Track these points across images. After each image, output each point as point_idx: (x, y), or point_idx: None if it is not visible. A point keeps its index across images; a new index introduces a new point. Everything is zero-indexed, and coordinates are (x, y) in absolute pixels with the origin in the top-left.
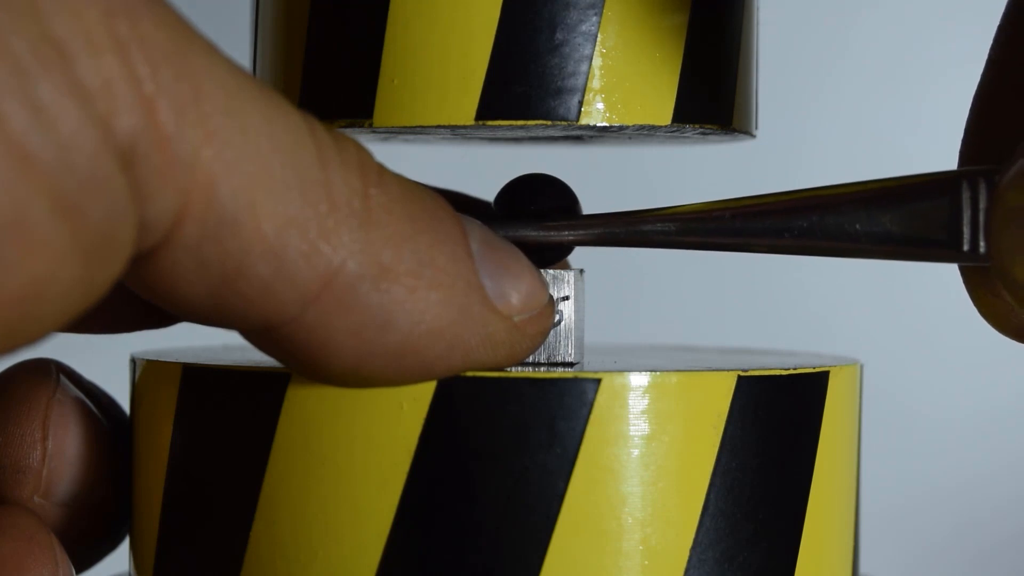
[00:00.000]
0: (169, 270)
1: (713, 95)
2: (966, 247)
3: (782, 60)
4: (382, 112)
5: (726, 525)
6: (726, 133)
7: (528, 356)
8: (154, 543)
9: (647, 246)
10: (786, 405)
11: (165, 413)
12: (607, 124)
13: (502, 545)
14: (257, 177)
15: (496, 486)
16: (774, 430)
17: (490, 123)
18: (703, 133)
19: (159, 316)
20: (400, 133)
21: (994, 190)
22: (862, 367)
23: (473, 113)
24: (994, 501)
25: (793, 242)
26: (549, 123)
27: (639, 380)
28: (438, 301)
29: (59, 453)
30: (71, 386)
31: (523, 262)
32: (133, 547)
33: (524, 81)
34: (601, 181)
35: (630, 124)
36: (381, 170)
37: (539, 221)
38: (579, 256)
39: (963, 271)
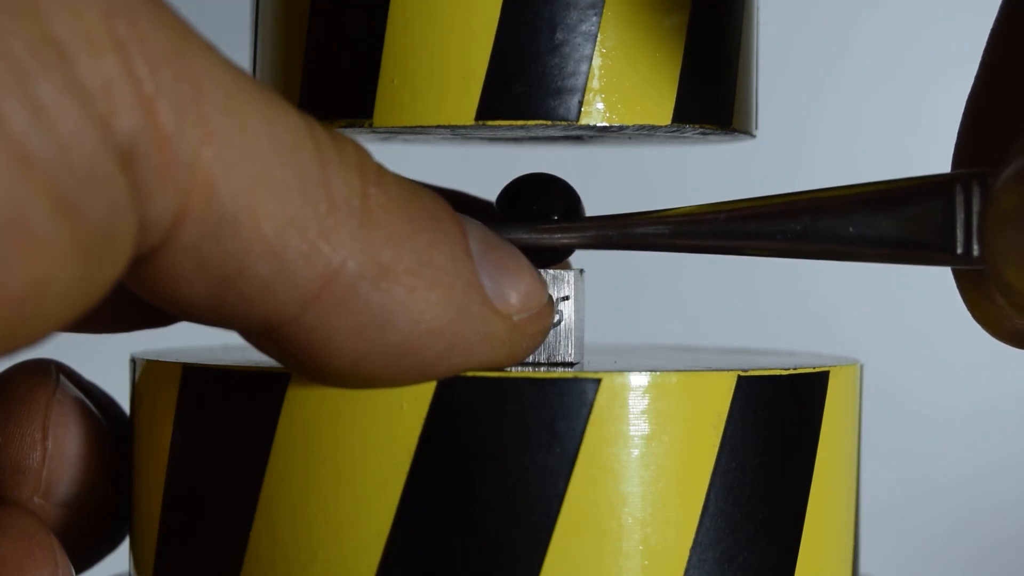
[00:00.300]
0: (169, 270)
1: (713, 95)
2: (959, 250)
3: (782, 60)
4: (382, 112)
5: (726, 525)
6: (726, 133)
7: (528, 356)
8: (154, 543)
9: (641, 249)
10: (786, 405)
11: (165, 413)
12: (607, 124)
13: (502, 545)
14: (257, 177)
15: (496, 486)
16: (774, 430)
17: (490, 123)
18: (703, 133)
19: (159, 316)
20: (400, 133)
21: (988, 193)
22: (862, 367)
23: (473, 113)
24: (994, 501)
25: (787, 245)
26: (549, 123)
27: (639, 380)
28: (438, 300)
29: (59, 453)
30: (71, 386)
31: (522, 262)
32: (133, 547)
33: (524, 81)
34: (601, 181)
35: (630, 124)
36: (380, 170)
37: (532, 224)
38: (579, 256)
39: (956, 275)
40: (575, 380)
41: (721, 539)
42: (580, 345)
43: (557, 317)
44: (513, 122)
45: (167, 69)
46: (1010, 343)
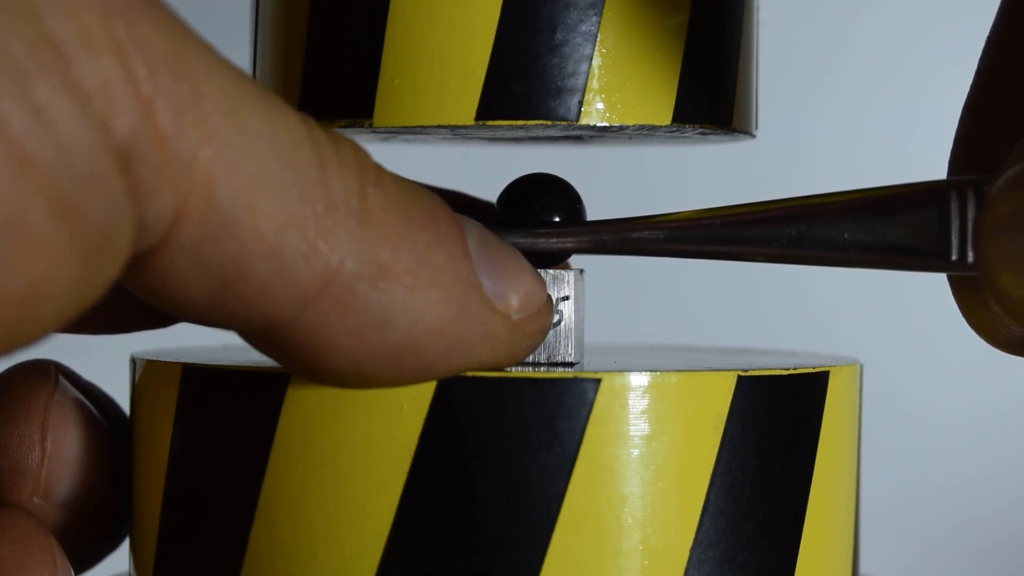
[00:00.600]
0: (168, 271)
1: (713, 95)
2: (954, 257)
3: (782, 60)
4: (382, 112)
5: (726, 525)
6: (726, 133)
7: (528, 355)
8: (154, 543)
9: (636, 254)
10: (786, 405)
11: (165, 413)
12: (607, 124)
13: (502, 545)
14: (256, 177)
15: (496, 486)
16: (774, 430)
17: (490, 123)
18: (703, 133)
19: (158, 317)
20: (400, 133)
21: (983, 200)
22: (862, 367)
23: (473, 113)
24: (994, 501)
25: (782, 251)
26: (549, 123)
27: (639, 380)
28: (437, 300)
29: (58, 454)
30: (70, 387)
31: (521, 262)
32: (133, 547)
33: (524, 81)
34: (601, 181)
35: (630, 124)
36: (379, 170)
37: (528, 228)
38: (579, 256)
39: (952, 282)
40: (575, 380)
41: (721, 539)
42: (580, 345)
43: (557, 317)
44: (513, 122)
45: (166, 70)
46: (1006, 350)
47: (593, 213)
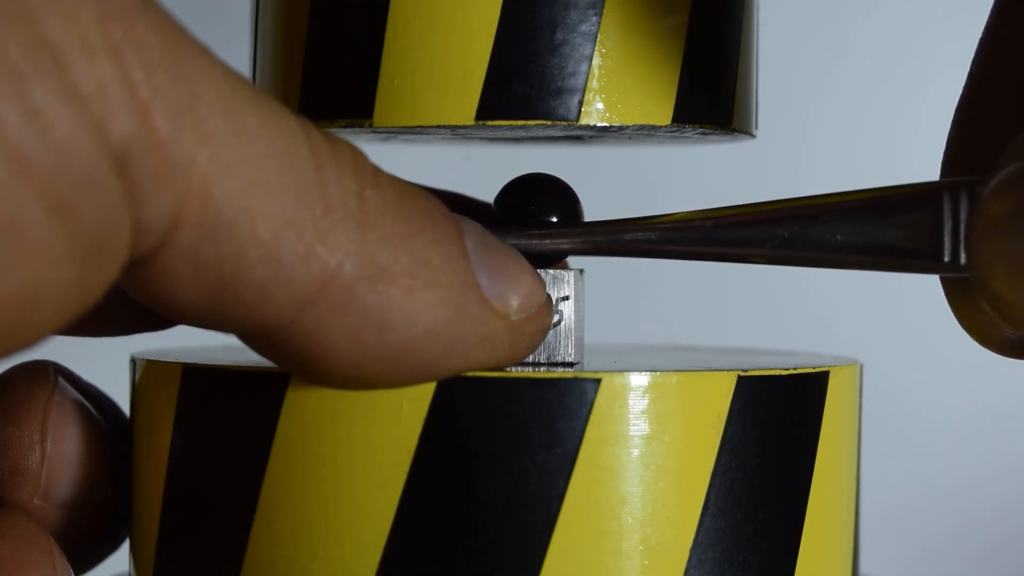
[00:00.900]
0: (165, 274)
1: (713, 95)
2: (947, 258)
3: (782, 60)
4: (382, 112)
5: (726, 525)
6: (726, 133)
7: (528, 355)
8: (154, 543)
9: (629, 255)
10: (786, 405)
11: (165, 413)
12: (607, 124)
13: (502, 545)
14: (253, 180)
15: (496, 486)
16: (774, 430)
17: (490, 123)
18: (703, 133)
19: (157, 319)
20: (400, 133)
21: (975, 202)
22: (862, 367)
23: (473, 113)
24: (994, 501)
25: (775, 252)
26: (549, 123)
27: (639, 380)
28: (435, 301)
29: (58, 455)
30: (69, 388)
31: (520, 262)
32: (133, 547)
33: (524, 81)
34: (601, 181)
35: (630, 124)
36: (376, 172)
37: (522, 230)
38: (576, 256)
39: (944, 283)
40: (575, 380)
41: (721, 539)
42: (580, 345)
43: (557, 317)
44: (513, 122)
45: (162, 73)
46: (998, 351)
47: (593, 213)
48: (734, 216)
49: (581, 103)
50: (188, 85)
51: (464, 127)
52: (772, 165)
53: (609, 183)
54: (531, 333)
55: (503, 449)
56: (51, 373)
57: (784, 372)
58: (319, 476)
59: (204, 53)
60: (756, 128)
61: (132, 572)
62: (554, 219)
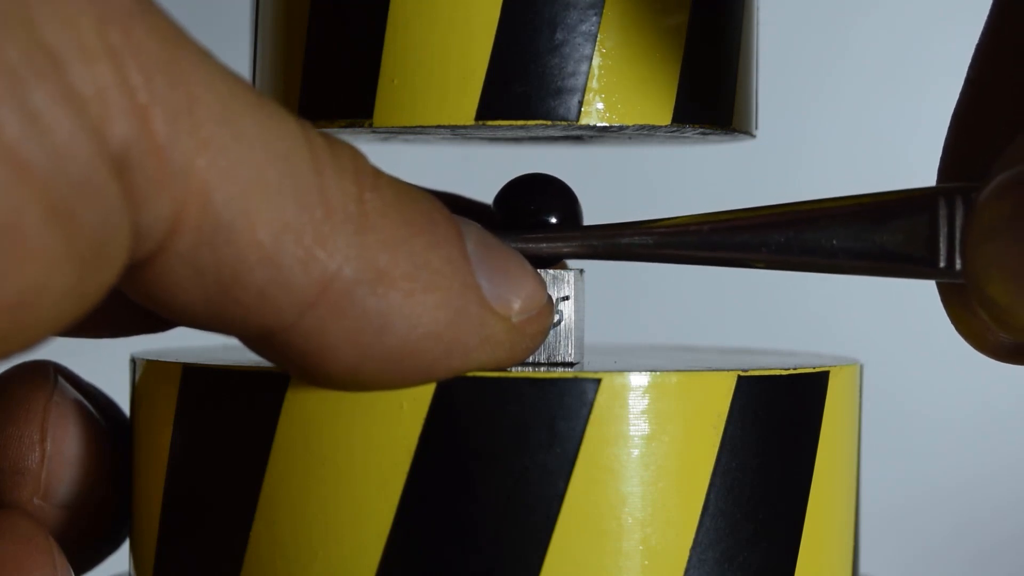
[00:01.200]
0: (165, 278)
1: (713, 95)
2: (942, 264)
3: (782, 60)
4: (382, 112)
5: (726, 525)
6: (726, 133)
7: (528, 356)
8: (154, 543)
9: (625, 259)
10: (786, 405)
11: (165, 413)
12: (607, 124)
13: (502, 545)
14: (252, 184)
15: (496, 486)
16: (774, 430)
17: (490, 123)
18: (703, 133)
19: (157, 320)
20: (400, 133)
21: (971, 207)
22: (862, 367)
23: (473, 113)
24: (994, 501)
25: (771, 257)
26: (549, 123)
27: (639, 380)
28: (435, 304)
29: (58, 455)
30: (69, 388)
31: (521, 263)
32: (133, 547)
33: (524, 81)
34: (601, 181)
35: (630, 124)
36: (376, 174)
37: (518, 233)
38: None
39: (940, 288)
40: (575, 380)
41: (721, 539)
42: (580, 345)
43: (557, 317)
44: (513, 122)
45: (161, 77)
46: (994, 356)
47: (593, 213)
48: (730, 221)
49: (581, 103)
50: (187, 89)
51: (464, 127)
52: (772, 165)
53: (609, 183)
54: (532, 334)
55: (503, 449)
56: (51, 373)
57: (784, 372)
58: (319, 476)
59: (203, 57)
60: (756, 128)
61: (132, 572)
62: (553, 219)
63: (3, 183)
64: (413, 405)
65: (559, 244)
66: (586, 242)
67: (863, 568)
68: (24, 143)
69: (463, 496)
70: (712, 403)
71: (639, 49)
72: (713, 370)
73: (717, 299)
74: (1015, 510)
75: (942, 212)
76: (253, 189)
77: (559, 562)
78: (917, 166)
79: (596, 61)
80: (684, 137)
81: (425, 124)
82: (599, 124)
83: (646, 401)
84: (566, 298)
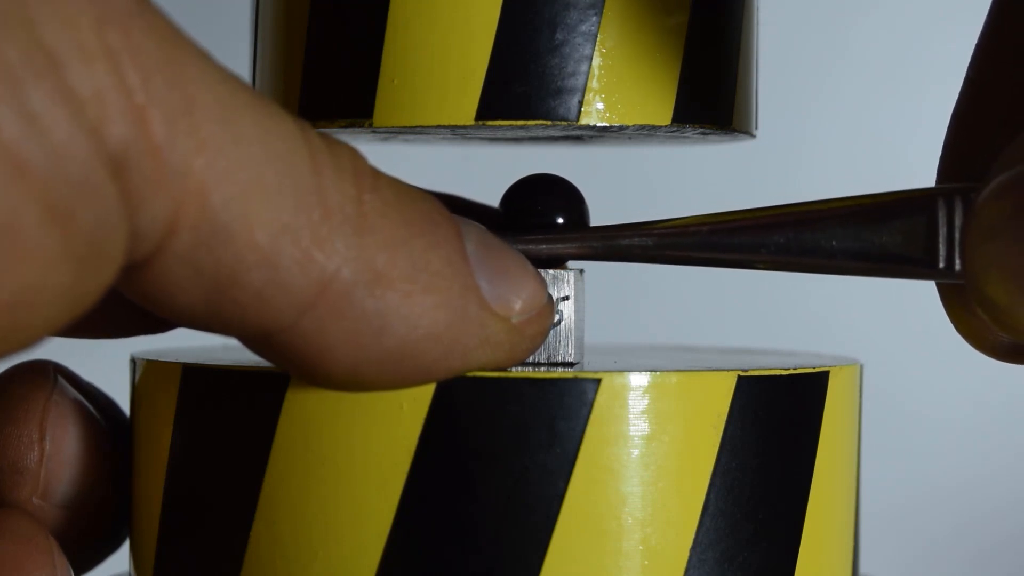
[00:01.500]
0: (163, 279)
1: (713, 95)
2: (942, 264)
3: (782, 60)
4: (382, 112)
5: (726, 525)
6: (726, 133)
7: (528, 356)
8: (154, 543)
9: (625, 260)
10: (786, 405)
11: (165, 413)
12: (607, 124)
13: (502, 545)
14: (250, 185)
15: (496, 486)
16: (774, 430)
17: (490, 123)
18: (703, 133)
19: (156, 321)
20: (400, 133)
21: (970, 208)
22: (862, 367)
23: (473, 113)
24: (994, 501)
25: (770, 258)
26: (549, 123)
27: (639, 380)
28: (434, 305)
29: (57, 454)
30: (69, 387)
31: (522, 263)
32: (133, 547)
33: (524, 81)
34: (601, 181)
35: (630, 124)
36: (375, 174)
37: (517, 235)
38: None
39: (940, 289)
40: (575, 380)
41: (721, 539)
42: (580, 345)
43: (557, 317)
44: (513, 122)
45: (159, 78)
46: (994, 356)
47: (593, 213)
48: (730, 222)
49: (581, 103)
50: (185, 90)
51: (464, 127)
52: (772, 165)
53: (609, 183)
54: (532, 335)
55: (503, 449)
56: (50, 373)
57: (784, 372)
58: (319, 476)
59: (202, 57)
60: (756, 128)
61: (132, 572)
62: (560, 220)
63: (1, 183)
64: (413, 405)
65: (559, 245)
66: (586, 243)
67: (863, 568)
68: (22, 143)
69: (463, 496)
70: (712, 403)
71: (639, 49)
72: (713, 370)
73: (717, 299)
74: (1015, 510)
75: (941, 213)
76: (251, 190)
77: (559, 562)
78: (917, 166)
79: (596, 61)
80: (684, 137)
81: (425, 124)
82: (599, 124)
83: (646, 401)
84: (566, 298)
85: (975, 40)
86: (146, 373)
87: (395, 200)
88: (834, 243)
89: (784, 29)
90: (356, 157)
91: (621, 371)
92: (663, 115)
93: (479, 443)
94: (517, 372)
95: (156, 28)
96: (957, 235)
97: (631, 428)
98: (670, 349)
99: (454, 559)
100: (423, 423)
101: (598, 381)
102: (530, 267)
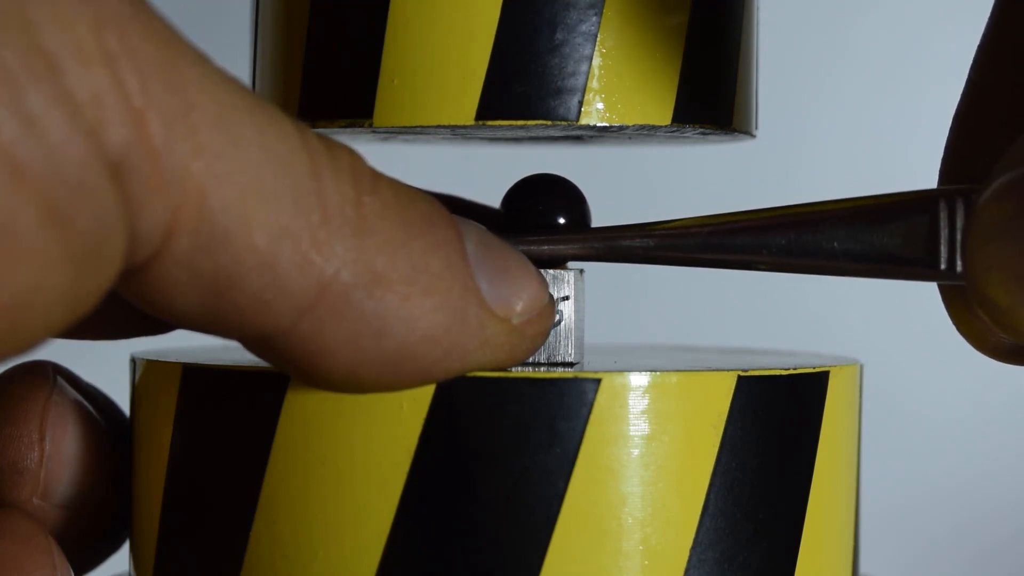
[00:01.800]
0: (162, 282)
1: (713, 95)
2: (943, 266)
3: (782, 60)
4: (382, 112)
5: (726, 525)
6: (726, 133)
7: (528, 357)
8: (154, 543)
9: (626, 261)
10: (786, 405)
11: (165, 413)
12: (607, 124)
13: (502, 545)
14: (248, 189)
15: (496, 486)
16: (774, 430)
17: (490, 123)
18: (703, 133)
19: (156, 323)
20: (400, 133)
21: (971, 209)
22: (862, 367)
23: (473, 113)
24: (994, 501)
25: (771, 259)
26: (549, 123)
27: (639, 380)
28: (433, 307)
29: (57, 454)
30: (68, 388)
31: (522, 263)
32: (133, 547)
33: (524, 81)
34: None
35: (630, 124)
36: (374, 176)
37: (518, 235)
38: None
39: (941, 290)
40: (575, 380)
41: (721, 539)
42: (580, 345)
43: (557, 317)
44: (513, 122)
45: (157, 81)
46: (995, 357)
47: (593, 214)
48: (731, 223)
49: (581, 103)
50: (183, 93)
51: (464, 127)
52: (772, 165)
53: (609, 183)
54: (532, 335)
55: (503, 449)
56: (50, 373)
57: (784, 372)
58: (319, 476)
59: (200, 60)
60: (756, 128)
61: (132, 572)
62: (561, 220)
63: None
64: (413, 405)
65: (560, 246)
66: (587, 244)
67: (863, 568)
68: (20, 144)
69: (463, 496)
70: (712, 403)
71: (639, 49)
72: (713, 370)
73: (717, 299)
74: (1015, 510)
75: (942, 214)
76: (250, 193)
77: (559, 562)
78: (918, 167)
79: (596, 61)
80: (684, 137)
81: (425, 124)
82: (599, 124)
83: (646, 401)
84: (566, 298)
85: (976, 41)
86: (146, 373)
87: (394, 201)
88: (835, 244)
89: (784, 29)
90: (355, 159)
91: (621, 371)
92: (663, 115)
93: (479, 443)
94: (517, 372)
95: (154, 31)
96: (958, 236)
97: (631, 428)
98: (670, 349)
99: (454, 559)
100: (423, 423)
101: (598, 381)
102: (531, 267)
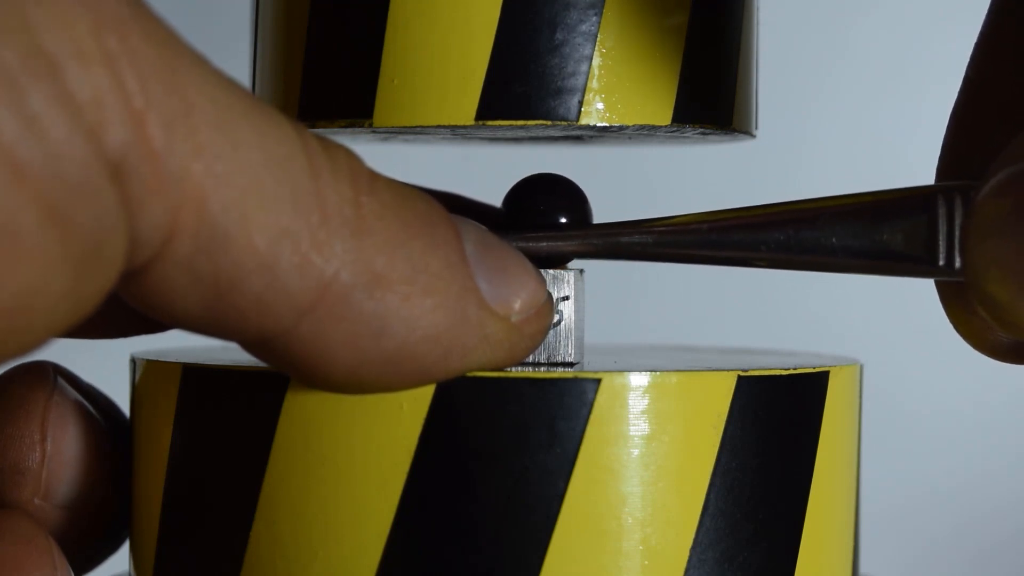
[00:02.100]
0: (162, 284)
1: (713, 95)
2: (941, 262)
3: (782, 60)
4: (382, 112)
5: (726, 525)
6: (726, 133)
7: (528, 356)
8: (154, 543)
9: (625, 258)
10: (786, 405)
11: (165, 413)
12: (607, 124)
13: (502, 545)
14: (248, 190)
15: (496, 486)
16: (774, 430)
17: (490, 123)
18: (703, 133)
19: (155, 322)
20: (400, 133)
21: (970, 206)
22: (862, 367)
23: (473, 113)
24: (994, 501)
25: (770, 256)
26: (549, 123)
27: (639, 380)
28: (433, 307)
29: (58, 455)
30: (69, 388)
31: (521, 262)
32: (133, 547)
33: (524, 81)
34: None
35: (630, 124)
36: (373, 176)
37: (518, 233)
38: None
39: (939, 287)
40: (575, 380)
41: (721, 539)
42: (580, 345)
43: (557, 317)
44: (513, 122)
45: (157, 83)
46: (993, 356)
47: (594, 213)
48: (730, 220)
49: (581, 103)
50: (183, 95)
51: (464, 127)
52: (772, 165)
53: (609, 183)
54: (531, 334)
55: (503, 449)
56: (50, 373)
57: (784, 372)
58: (319, 476)
59: (199, 62)
60: (756, 128)
61: (132, 572)
62: (563, 220)
63: (0, 184)
64: (413, 405)
65: (559, 243)
66: (586, 241)
67: (863, 568)
68: (21, 145)
69: (463, 496)
70: (712, 403)
71: (639, 49)
72: (713, 370)
73: (717, 299)
74: (1015, 510)
75: (941, 211)
76: (249, 195)
77: (559, 562)
78: (917, 166)
79: (596, 61)
80: (684, 137)
81: (425, 124)
82: (599, 124)
83: (646, 401)
84: (566, 298)
85: (974, 40)
86: (146, 373)
87: (393, 202)
88: (834, 241)
89: (784, 29)
90: (353, 159)
91: (621, 371)
92: (663, 115)
93: (479, 443)
94: (517, 372)
95: (153, 33)
96: (957, 233)
97: (631, 428)
98: (670, 349)
99: (454, 559)
100: (423, 423)
101: (598, 381)
102: (529, 265)
